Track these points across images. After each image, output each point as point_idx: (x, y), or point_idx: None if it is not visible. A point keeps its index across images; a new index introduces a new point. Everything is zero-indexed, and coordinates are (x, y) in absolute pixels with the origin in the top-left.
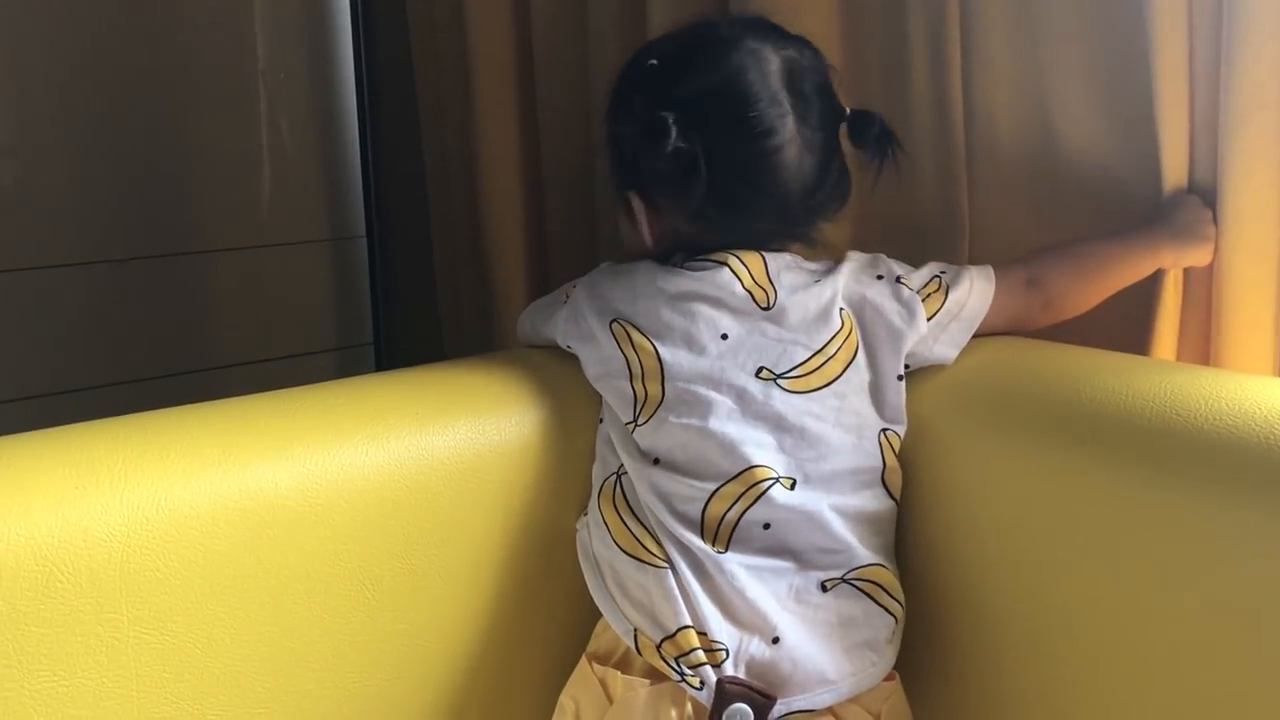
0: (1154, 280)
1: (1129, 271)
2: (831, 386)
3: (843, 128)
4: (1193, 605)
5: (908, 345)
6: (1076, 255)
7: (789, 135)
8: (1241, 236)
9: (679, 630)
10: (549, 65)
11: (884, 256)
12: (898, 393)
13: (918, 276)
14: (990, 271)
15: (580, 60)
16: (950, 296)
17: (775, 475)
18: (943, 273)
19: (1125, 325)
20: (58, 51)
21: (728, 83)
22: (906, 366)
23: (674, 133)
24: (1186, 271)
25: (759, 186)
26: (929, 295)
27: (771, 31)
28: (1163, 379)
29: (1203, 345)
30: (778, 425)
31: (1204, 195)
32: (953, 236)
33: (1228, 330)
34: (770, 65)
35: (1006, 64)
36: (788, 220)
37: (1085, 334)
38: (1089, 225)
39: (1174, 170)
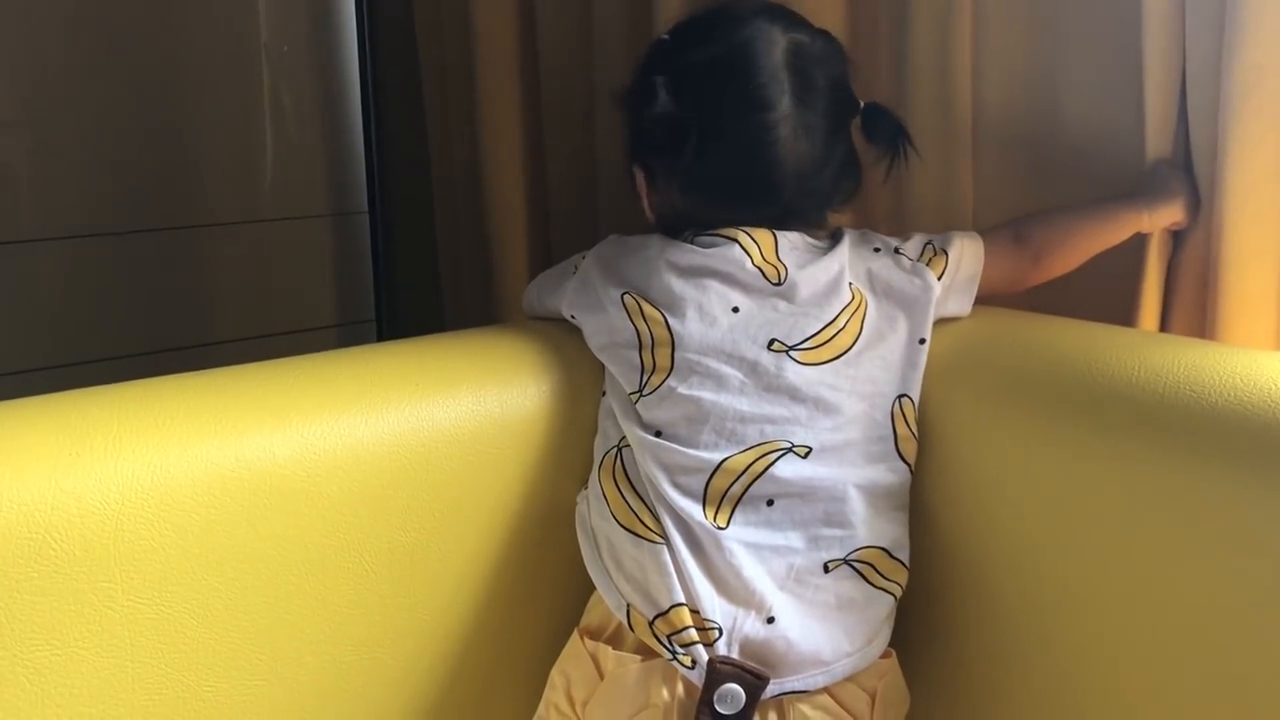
0: (1138, 250)
1: (1107, 225)
2: (844, 357)
3: (857, 121)
4: (1203, 585)
5: (931, 307)
6: (1056, 212)
7: (783, 114)
8: (1246, 205)
9: (672, 608)
10: (553, 39)
11: (870, 231)
12: (919, 356)
13: (910, 246)
14: (973, 233)
15: (584, 34)
16: (949, 256)
17: (786, 445)
18: (931, 240)
19: (1111, 298)
20: (60, 25)
21: (728, 55)
22: None
23: (662, 95)
24: (1179, 244)
25: (749, 161)
26: (929, 260)
27: (786, 17)
28: (1177, 355)
29: (1197, 317)
30: (792, 397)
31: (1206, 165)
32: (957, 217)
33: (1227, 299)
34: (775, 45)
35: (1009, 45)
36: (780, 202)
37: (1072, 308)
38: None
39: (1157, 142)
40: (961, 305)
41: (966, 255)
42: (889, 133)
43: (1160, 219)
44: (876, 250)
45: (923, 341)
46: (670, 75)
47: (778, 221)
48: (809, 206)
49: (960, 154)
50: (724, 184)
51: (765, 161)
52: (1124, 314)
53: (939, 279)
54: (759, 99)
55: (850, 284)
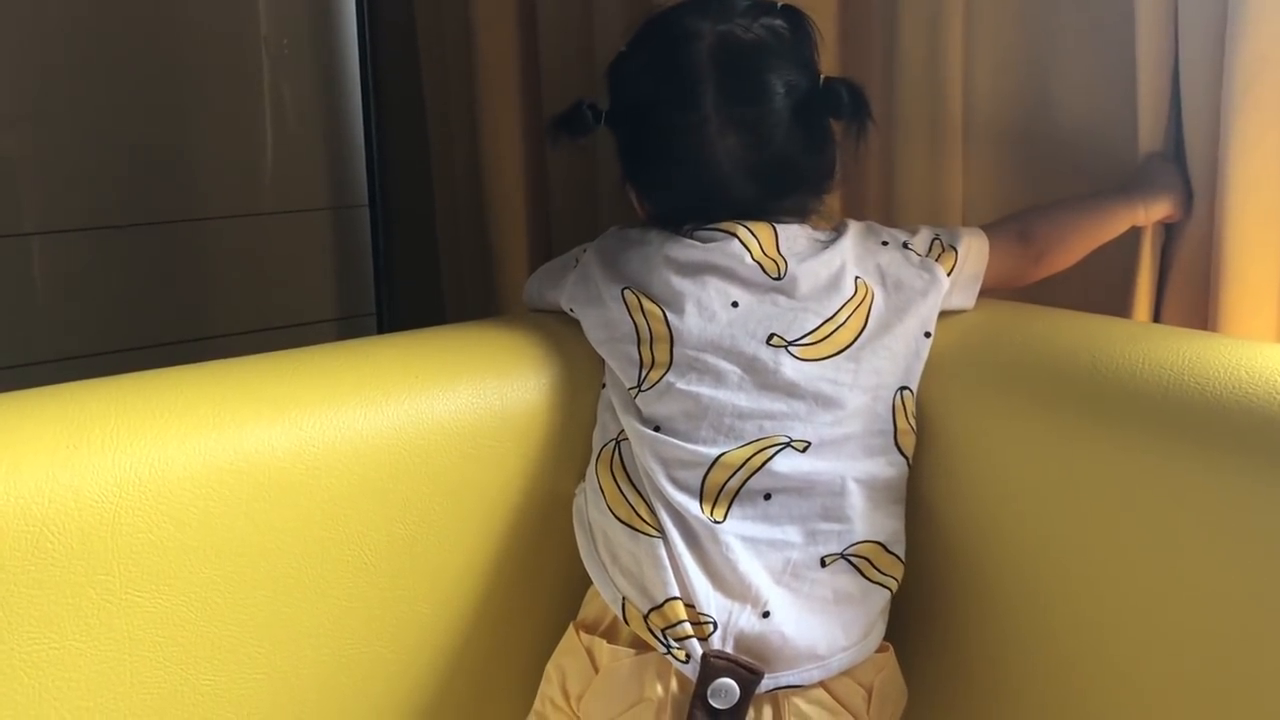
0: (1131, 244)
1: (1106, 221)
2: (846, 352)
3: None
4: (1205, 576)
5: (938, 302)
6: (1056, 208)
7: (706, 113)
8: (1249, 200)
9: (666, 601)
10: (553, 33)
11: (875, 224)
12: (923, 349)
13: (919, 240)
14: (978, 229)
15: (584, 28)
16: (957, 253)
17: (785, 440)
18: (938, 234)
19: (1104, 291)
20: (60, 19)
21: (651, 62)
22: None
23: (589, 117)
24: (1170, 237)
25: (683, 166)
26: (938, 256)
27: (722, 7)
28: (1180, 347)
29: (1190, 309)
30: (790, 393)
31: (1201, 159)
32: (947, 209)
33: (1228, 294)
34: (699, 43)
35: (1000, 38)
36: (736, 201)
37: (1066, 300)
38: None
39: (1150, 135)
40: (965, 300)
41: (973, 252)
42: (851, 106)
43: (1155, 213)
44: (884, 244)
45: (928, 335)
46: (611, 92)
47: (763, 217)
48: (783, 198)
49: (951, 148)
50: (672, 191)
51: (698, 164)
52: (1117, 307)
53: (948, 275)
54: (679, 102)
55: (856, 278)
